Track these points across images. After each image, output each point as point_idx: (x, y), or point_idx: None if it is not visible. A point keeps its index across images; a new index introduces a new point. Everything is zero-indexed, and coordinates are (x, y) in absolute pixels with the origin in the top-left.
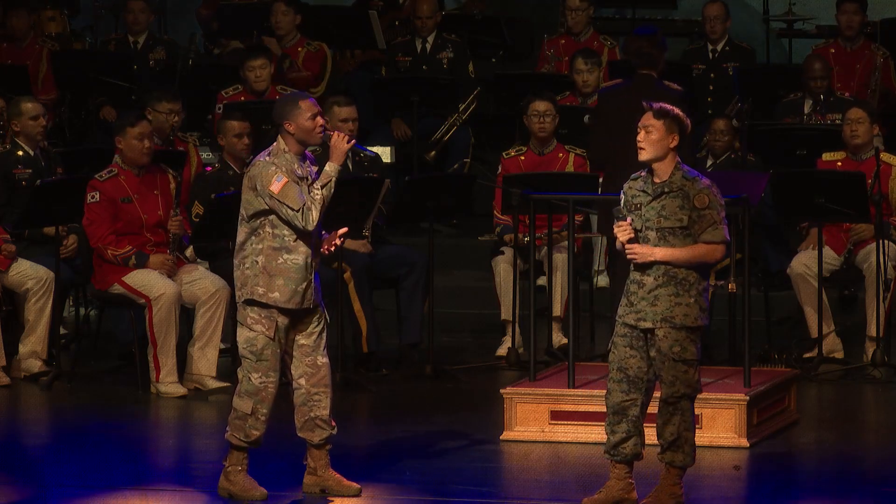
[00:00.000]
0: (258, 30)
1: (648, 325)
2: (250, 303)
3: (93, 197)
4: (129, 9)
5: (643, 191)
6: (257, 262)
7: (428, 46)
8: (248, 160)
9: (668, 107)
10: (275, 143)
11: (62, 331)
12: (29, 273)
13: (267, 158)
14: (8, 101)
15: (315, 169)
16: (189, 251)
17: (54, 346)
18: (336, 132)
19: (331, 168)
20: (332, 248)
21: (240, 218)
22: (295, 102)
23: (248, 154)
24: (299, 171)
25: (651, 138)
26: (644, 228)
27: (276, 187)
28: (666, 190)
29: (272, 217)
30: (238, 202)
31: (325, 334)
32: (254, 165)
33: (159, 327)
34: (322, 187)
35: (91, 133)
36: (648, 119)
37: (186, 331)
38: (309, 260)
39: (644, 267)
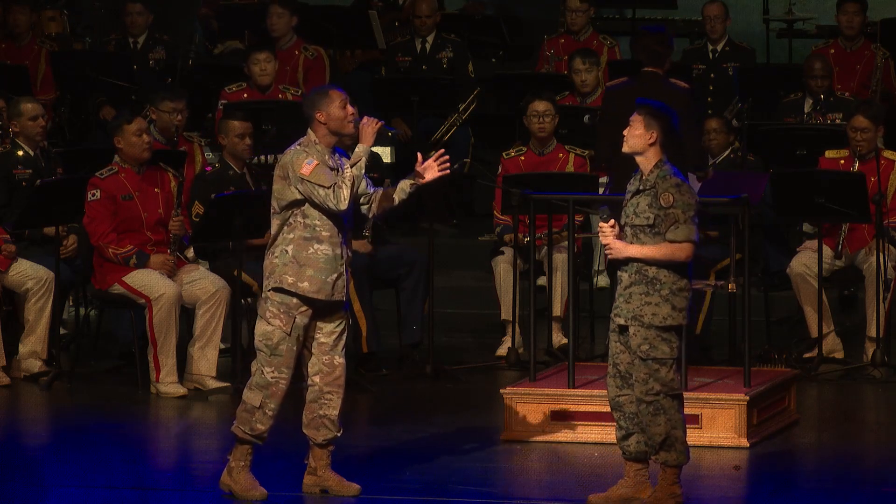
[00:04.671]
0: (257, 30)
1: (622, 321)
2: (278, 290)
3: (93, 195)
4: (128, 12)
5: (630, 187)
6: (287, 252)
7: (428, 46)
8: (248, 160)
9: (652, 102)
10: (305, 137)
11: (62, 331)
12: (29, 273)
13: (298, 147)
14: (8, 101)
15: (345, 161)
16: (189, 251)
17: (54, 346)
18: (365, 116)
19: (360, 149)
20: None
21: (272, 211)
22: (325, 92)
23: (249, 154)
24: (330, 163)
25: (631, 132)
26: (624, 224)
27: (306, 170)
28: (642, 188)
29: (304, 207)
30: (238, 202)
31: (345, 335)
32: (284, 154)
33: (159, 327)
34: (352, 166)
35: (91, 133)
36: (633, 114)
37: (186, 331)
38: (339, 251)
39: (622, 262)
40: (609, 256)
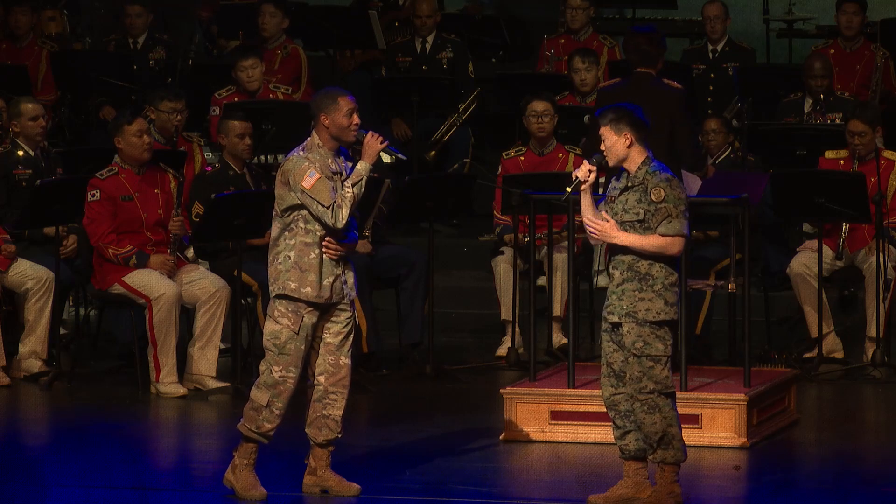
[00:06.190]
0: (253, 30)
1: (615, 319)
2: (281, 297)
3: (93, 195)
4: (127, 13)
5: (618, 185)
6: (289, 258)
7: (428, 46)
8: (248, 160)
9: (608, 108)
10: (308, 139)
11: (62, 331)
12: (29, 273)
13: (301, 154)
14: (8, 101)
15: (350, 165)
16: (189, 251)
17: (54, 346)
18: (370, 132)
19: (362, 167)
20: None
21: (273, 214)
22: (333, 98)
23: (249, 154)
24: (333, 167)
25: (607, 144)
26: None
27: (307, 183)
28: (630, 185)
29: (304, 212)
30: (238, 202)
31: (352, 336)
32: (287, 160)
33: (159, 327)
34: (353, 185)
35: (91, 133)
36: (599, 129)
37: (186, 331)
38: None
39: (614, 253)
40: (593, 236)
